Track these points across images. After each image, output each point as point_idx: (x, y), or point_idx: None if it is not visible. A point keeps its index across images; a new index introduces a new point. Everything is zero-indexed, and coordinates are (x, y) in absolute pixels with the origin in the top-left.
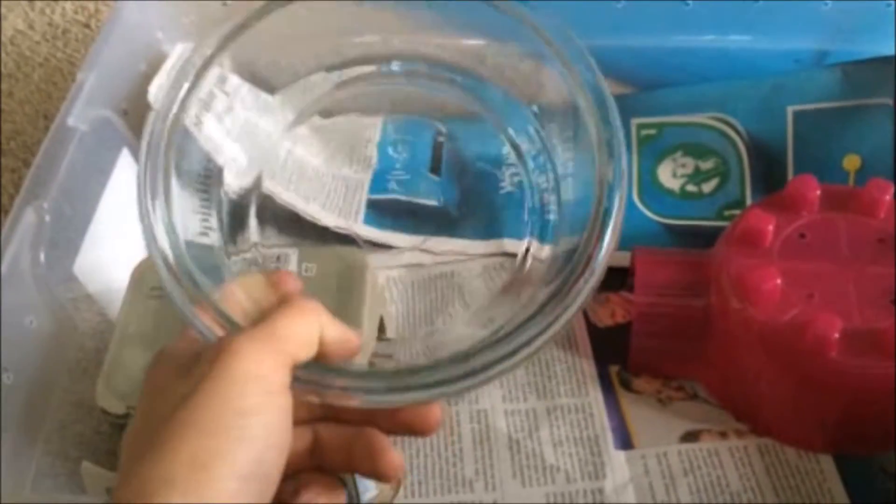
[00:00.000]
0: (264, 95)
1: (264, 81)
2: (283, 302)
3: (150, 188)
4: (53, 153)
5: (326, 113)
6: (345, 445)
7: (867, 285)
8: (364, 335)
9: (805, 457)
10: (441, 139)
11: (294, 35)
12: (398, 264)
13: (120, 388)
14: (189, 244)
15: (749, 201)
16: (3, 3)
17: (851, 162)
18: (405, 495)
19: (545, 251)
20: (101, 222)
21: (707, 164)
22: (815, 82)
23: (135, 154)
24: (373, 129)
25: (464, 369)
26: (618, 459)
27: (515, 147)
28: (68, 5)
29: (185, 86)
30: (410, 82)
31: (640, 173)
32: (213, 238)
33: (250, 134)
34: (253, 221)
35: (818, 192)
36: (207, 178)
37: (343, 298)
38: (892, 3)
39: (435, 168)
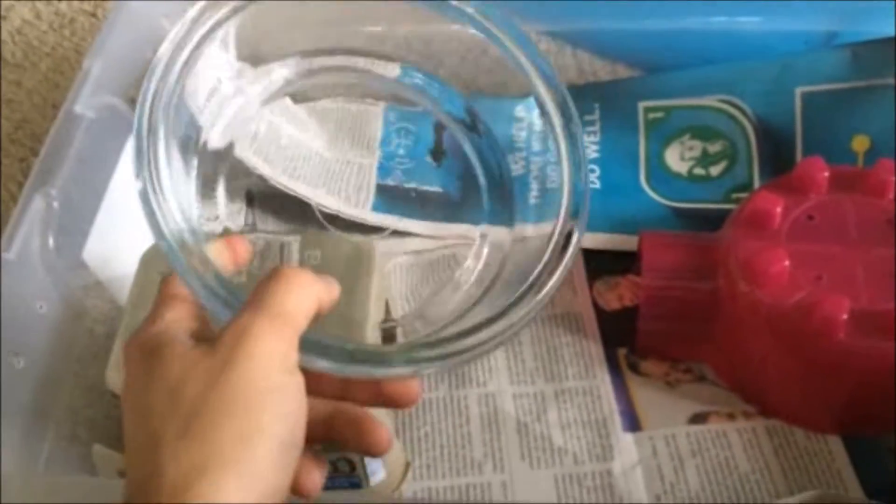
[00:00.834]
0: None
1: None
2: (275, 273)
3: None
4: (61, 140)
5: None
6: (324, 418)
7: (875, 266)
8: (371, 320)
9: (813, 438)
10: (442, 125)
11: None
12: (403, 250)
13: None
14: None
15: (757, 184)
16: None
17: (860, 143)
18: (414, 478)
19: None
20: (109, 209)
21: (715, 147)
22: (823, 63)
23: None
24: (375, 116)
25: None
26: (626, 442)
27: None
28: None
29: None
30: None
31: (648, 157)
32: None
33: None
34: (221, 194)
35: (826, 174)
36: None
37: (350, 284)
38: None
39: (437, 155)
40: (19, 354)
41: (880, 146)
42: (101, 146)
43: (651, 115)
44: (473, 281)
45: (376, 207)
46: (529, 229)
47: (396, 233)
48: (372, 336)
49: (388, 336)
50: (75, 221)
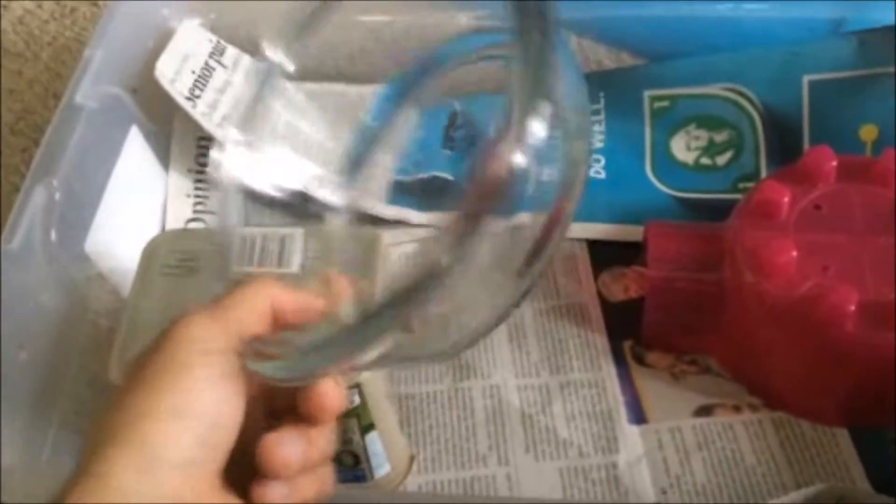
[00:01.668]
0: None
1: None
2: (241, 281)
3: None
4: (62, 131)
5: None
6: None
7: (883, 257)
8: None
9: (820, 430)
10: (455, 114)
11: None
12: (410, 239)
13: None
14: None
15: (764, 173)
16: None
17: (868, 132)
18: (418, 471)
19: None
20: (111, 200)
21: (721, 136)
22: (831, 51)
23: (144, 132)
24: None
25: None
26: (631, 434)
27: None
28: None
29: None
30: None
31: (653, 146)
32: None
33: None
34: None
35: (834, 163)
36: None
37: (355, 275)
38: None
39: (449, 144)
40: (22, 347)
41: (888, 135)
42: (102, 136)
43: (656, 104)
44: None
45: (390, 200)
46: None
47: (407, 223)
48: None
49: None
50: (77, 213)
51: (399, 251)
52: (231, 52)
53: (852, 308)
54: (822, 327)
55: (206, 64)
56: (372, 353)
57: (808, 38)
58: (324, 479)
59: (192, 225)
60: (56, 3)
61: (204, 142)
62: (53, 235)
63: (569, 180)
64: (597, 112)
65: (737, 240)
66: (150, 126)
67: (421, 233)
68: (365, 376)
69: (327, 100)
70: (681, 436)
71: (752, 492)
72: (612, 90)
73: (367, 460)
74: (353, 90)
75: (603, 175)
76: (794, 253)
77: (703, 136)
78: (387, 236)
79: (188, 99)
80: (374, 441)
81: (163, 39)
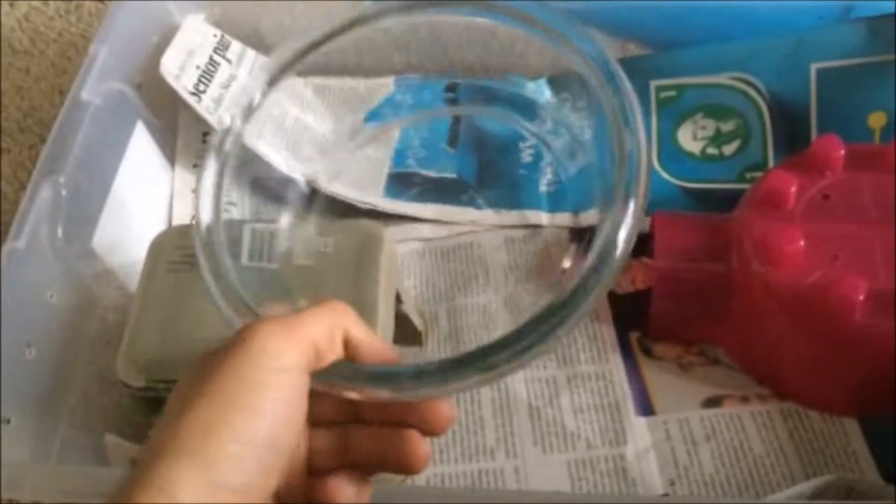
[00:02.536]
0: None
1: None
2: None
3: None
4: (68, 127)
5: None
6: (376, 447)
7: (892, 245)
8: (382, 309)
9: (829, 420)
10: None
11: None
12: (418, 237)
13: (140, 361)
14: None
15: (771, 163)
16: None
17: (877, 119)
18: None
19: (564, 220)
20: (118, 196)
21: (728, 126)
22: (839, 38)
23: (150, 127)
24: (383, 97)
25: (483, 368)
26: (639, 426)
27: (530, 119)
28: None
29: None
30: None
31: (660, 136)
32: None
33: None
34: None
35: (842, 152)
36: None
37: (360, 272)
38: None
39: (452, 141)
40: (30, 344)
41: None
42: (108, 133)
43: (663, 94)
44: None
45: (389, 194)
46: (544, 218)
47: (408, 218)
48: (384, 321)
49: (402, 323)
50: (84, 209)
51: (406, 248)
52: (236, 46)
53: (861, 297)
54: (830, 317)
55: (211, 59)
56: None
57: (815, 25)
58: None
59: None
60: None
61: (209, 137)
62: (60, 232)
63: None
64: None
65: (744, 230)
66: (155, 122)
67: (426, 230)
68: None
69: (335, 94)
70: (689, 427)
71: (761, 483)
72: None
73: None
74: (360, 84)
75: (595, 165)
76: (802, 243)
77: (709, 125)
78: (392, 233)
79: (193, 94)
80: None
81: (167, 35)
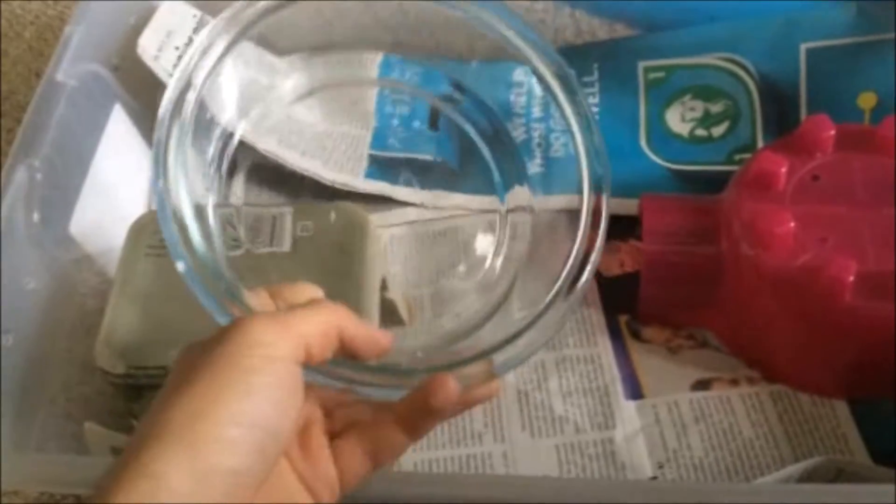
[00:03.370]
0: (269, 56)
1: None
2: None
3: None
4: (43, 110)
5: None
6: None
7: (883, 227)
8: (366, 295)
9: (818, 402)
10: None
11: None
12: (400, 221)
13: (119, 347)
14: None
15: (760, 144)
16: None
17: (867, 100)
18: (413, 449)
19: (548, 204)
20: (96, 180)
21: (717, 107)
22: (828, 18)
23: (128, 110)
24: (370, 85)
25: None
26: (628, 409)
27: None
28: None
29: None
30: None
31: (648, 118)
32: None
33: (252, 92)
34: (241, 178)
35: (832, 132)
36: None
37: (344, 258)
38: None
39: (433, 122)
40: (8, 331)
41: (887, 103)
42: (84, 115)
43: (651, 75)
44: (491, 259)
45: (369, 175)
46: (537, 201)
47: (392, 202)
48: (368, 307)
49: (387, 309)
50: (61, 193)
51: (388, 233)
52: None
53: (851, 279)
54: (820, 299)
55: (190, 39)
56: None
57: (805, 5)
58: None
59: None
60: None
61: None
62: (36, 217)
63: None
64: (591, 84)
65: (734, 212)
66: (133, 104)
67: (411, 214)
68: None
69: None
70: (678, 410)
71: (750, 465)
72: (606, 62)
73: None
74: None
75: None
76: (792, 224)
77: (698, 107)
78: (376, 217)
79: (172, 76)
80: None
81: (145, 16)
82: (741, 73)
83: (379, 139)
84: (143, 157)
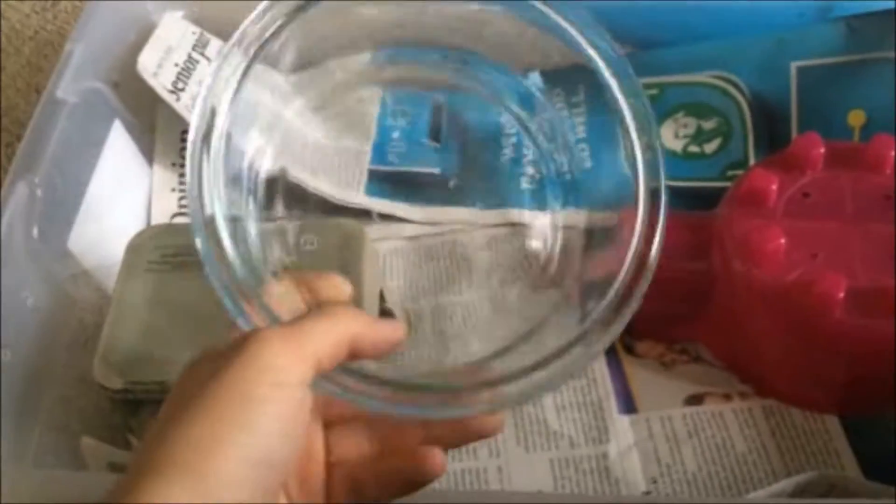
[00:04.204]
0: (261, 67)
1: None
2: (320, 307)
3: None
4: (43, 126)
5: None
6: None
7: (873, 243)
8: (364, 309)
9: (810, 417)
10: (440, 106)
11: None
12: (401, 235)
13: (117, 363)
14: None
15: (752, 160)
16: None
17: (856, 118)
18: None
19: (550, 220)
20: (94, 196)
21: (709, 124)
22: (819, 37)
23: (127, 126)
24: (371, 100)
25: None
26: (621, 424)
27: (516, 114)
28: None
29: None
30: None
31: None
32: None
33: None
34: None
35: (822, 150)
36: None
37: (343, 271)
38: None
39: (434, 136)
40: (6, 346)
41: (876, 121)
42: (84, 132)
43: (645, 92)
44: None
45: (369, 191)
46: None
47: (391, 218)
48: None
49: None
50: (60, 209)
51: (389, 246)
52: (215, 44)
53: (841, 295)
54: (811, 315)
55: (190, 56)
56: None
57: (795, 24)
58: None
59: (178, 220)
60: None
61: (188, 136)
62: (35, 232)
63: None
64: (578, 105)
65: (726, 228)
66: (133, 120)
67: (408, 229)
68: None
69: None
70: (671, 425)
71: (743, 480)
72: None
73: None
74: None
75: (589, 163)
76: (783, 240)
77: (691, 123)
78: (374, 231)
79: (171, 92)
80: None
81: (145, 33)
82: (733, 90)
83: (379, 153)
84: (141, 173)
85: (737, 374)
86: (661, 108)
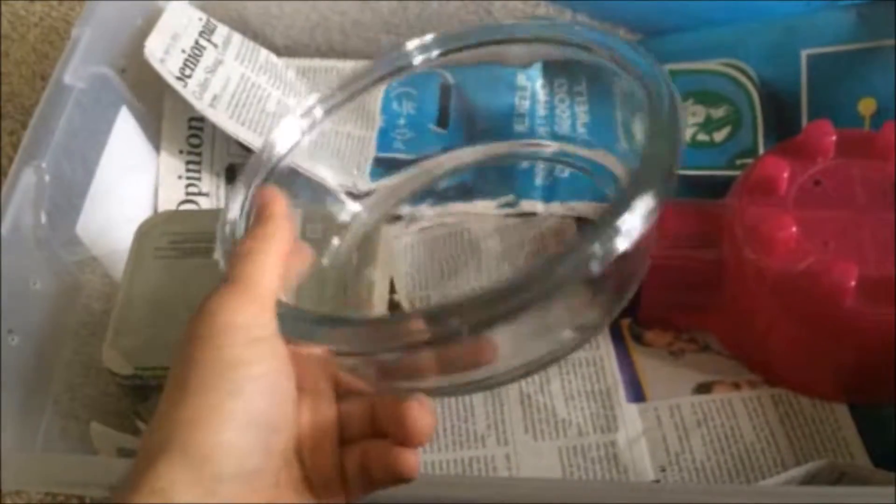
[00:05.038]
0: (266, 53)
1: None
2: (248, 240)
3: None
4: (50, 112)
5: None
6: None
7: (884, 231)
8: (375, 296)
9: (819, 406)
10: (448, 87)
11: None
12: (409, 223)
13: (126, 349)
14: None
15: (762, 149)
16: None
17: (866, 105)
18: None
19: (557, 209)
20: (102, 182)
21: (718, 112)
22: (829, 24)
23: (134, 112)
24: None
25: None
26: (630, 412)
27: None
28: None
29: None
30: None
31: None
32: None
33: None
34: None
35: (833, 138)
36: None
37: (354, 260)
38: None
39: (442, 121)
40: (13, 332)
41: (887, 108)
42: (91, 117)
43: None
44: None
45: (374, 178)
46: (538, 206)
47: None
48: (377, 310)
49: (394, 311)
50: (67, 195)
51: (398, 234)
52: (221, 30)
53: (852, 283)
54: (822, 303)
55: (197, 43)
56: None
57: (805, 11)
58: None
59: (185, 206)
60: None
61: (195, 122)
62: (43, 219)
63: None
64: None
65: (736, 216)
66: (140, 106)
67: (424, 224)
68: None
69: (319, 76)
70: (680, 413)
71: (752, 468)
72: None
73: None
74: (346, 66)
75: (597, 153)
76: (794, 229)
77: (700, 111)
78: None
79: (178, 79)
80: None
81: (152, 18)
82: (742, 78)
83: (385, 140)
84: (149, 158)
85: (746, 363)
86: None
